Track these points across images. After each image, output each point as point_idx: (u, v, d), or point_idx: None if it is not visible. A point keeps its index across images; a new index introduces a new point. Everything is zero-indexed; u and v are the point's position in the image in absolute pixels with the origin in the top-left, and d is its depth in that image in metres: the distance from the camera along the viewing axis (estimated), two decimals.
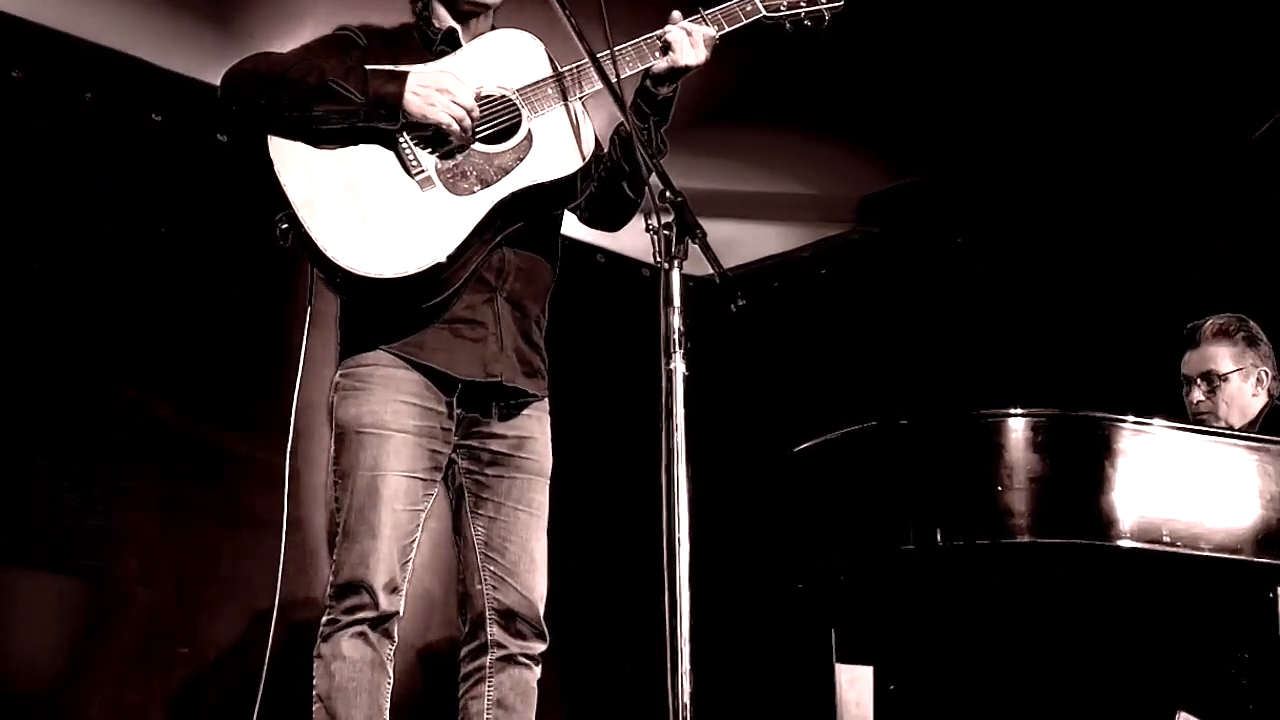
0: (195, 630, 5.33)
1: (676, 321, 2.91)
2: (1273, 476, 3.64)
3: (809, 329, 7.00)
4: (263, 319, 5.62)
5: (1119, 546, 3.48)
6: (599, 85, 3.33)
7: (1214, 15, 5.25)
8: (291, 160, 3.27)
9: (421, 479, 3.38)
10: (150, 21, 5.31)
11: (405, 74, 3.31)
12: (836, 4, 3.57)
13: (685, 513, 2.83)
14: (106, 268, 5.27)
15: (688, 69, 3.46)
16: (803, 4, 3.56)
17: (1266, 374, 4.55)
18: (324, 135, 3.28)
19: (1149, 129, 5.86)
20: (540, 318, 3.55)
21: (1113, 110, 5.81)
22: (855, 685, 4.12)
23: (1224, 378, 4.51)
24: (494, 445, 3.48)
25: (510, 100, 3.41)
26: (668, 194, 3.01)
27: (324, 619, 3.35)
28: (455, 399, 3.41)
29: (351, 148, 3.30)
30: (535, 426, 3.53)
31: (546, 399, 3.56)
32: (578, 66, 3.42)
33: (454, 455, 3.46)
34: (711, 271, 2.97)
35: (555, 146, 3.40)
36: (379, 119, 3.29)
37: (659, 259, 2.96)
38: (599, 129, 3.56)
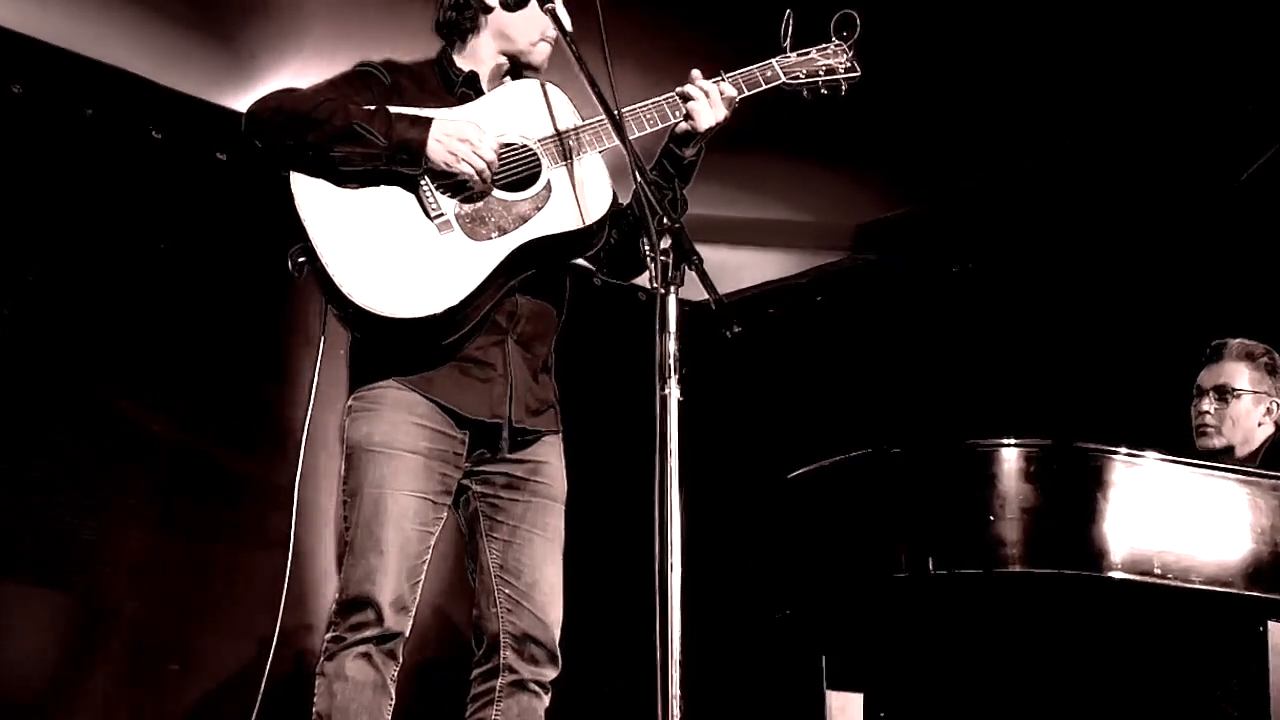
0: (186, 647, 5.32)
1: (672, 347, 2.91)
2: (1264, 510, 3.65)
3: (804, 356, 7.00)
4: (260, 336, 5.63)
5: (1110, 578, 3.49)
6: (618, 141, 3.31)
7: (1209, 47, 5.28)
8: (313, 197, 3.30)
9: (431, 500, 3.37)
10: (151, 38, 5.33)
11: (429, 120, 3.32)
12: (854, 75, 3.61)
13: (678, 538, 2.83)
14: (105, 283, 5.28)
15: (709, 130, 3.49)
16: (821, 74, 3.59)
17: (1277, 406, 4.56)
18: (346, 175, 3.31)
19: (1144, 160, 5.88)
20: (549, 358, 3.55)
21: (1108, 140, 5.84)
22: (846, 712, 4.12)
23: (1236, 394, 4.52)
24: (508, 470, 3.47)
25: (531, 150, 3.43)
26: (665, 220, 3.03)
27: (327, 636, 3.33)
28: (467, 434, 3.42)
29: (373, 188, 3.33)
30: (550, 453, 3.53)
31: (560, 433, 3.56)
32: (599, 121, 3.43)
33: (466, 481, 3.46)
34: (707, 297, 2.98)
35: (573, 199, 3.41)
36: (401, 164, 3.31)
37: (655, 284, 2.97)
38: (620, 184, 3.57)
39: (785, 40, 3.55)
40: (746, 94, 3.53)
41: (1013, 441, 3.57)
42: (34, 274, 5.11)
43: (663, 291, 2.95)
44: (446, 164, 3.31)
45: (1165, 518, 3.57)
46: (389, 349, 3.36)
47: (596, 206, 3.42)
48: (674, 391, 2.89)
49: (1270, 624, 3.59)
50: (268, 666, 3.48)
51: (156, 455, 5.35)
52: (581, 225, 3.40)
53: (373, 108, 3.32)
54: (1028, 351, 6.18)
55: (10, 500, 4.96)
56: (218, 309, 5.52)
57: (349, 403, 3.42)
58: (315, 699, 3.32)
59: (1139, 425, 4.72)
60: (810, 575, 3.91)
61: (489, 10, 3.51)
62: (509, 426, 3.43)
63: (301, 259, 3.26)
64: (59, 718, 5.02)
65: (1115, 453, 3.60)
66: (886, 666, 4.24)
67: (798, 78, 3.57)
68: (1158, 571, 3.52)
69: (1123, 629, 3.88)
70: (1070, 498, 3.55)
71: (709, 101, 3.47)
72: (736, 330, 2.95)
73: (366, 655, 3.29)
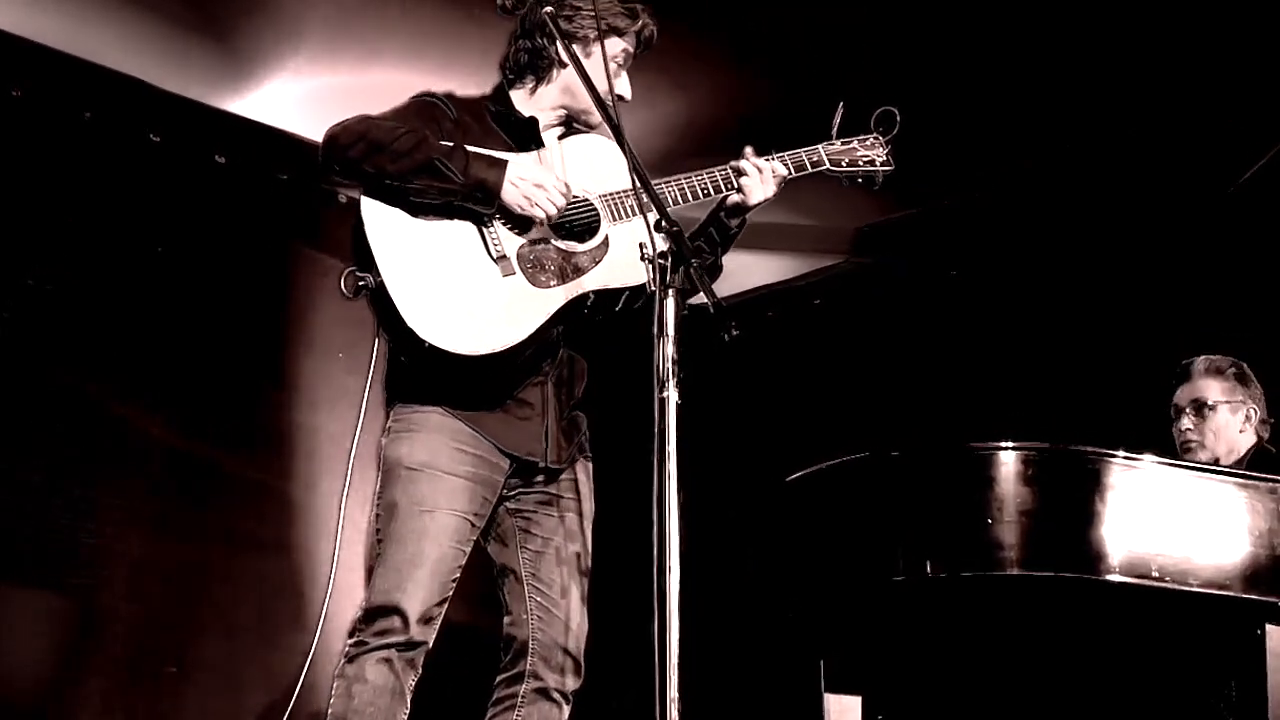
0: (183, 649, 5.32)
1: (670, 350, 2.92)
2: (1261, 513, 3.65)
3: (803, 359, 7.00)
4: (258, 339, 5.63)
5: (1108, 581, 3.49)
6: (675, 208, 3.48)
7: (1208, 51, 5.28)
8: (383, 224, 3.34)
9: (470, 521, 3.43)
10: (150, 42, 5.33)
11: (505, 162, 3.39)
12: (889, 168, 3.76)
13: (676, 541, 2.84)
14: (103, 286, 5.28)
15: (758, 205, 3.63)
16: (860, 164, 3.75)
17: (1255, 412, 4.60)
18: (417, 206, 3.36)
19: (1143, 163, 5.88)
20: (580, 394, 3.66)
21: (1108, 143, 5.84)
22: (844, 715, 4.13)
23: (1212, 407, 4.56)
24: (539, 488, 3.57)
25: (591, 204, 3.51)
26: (664, 223, 3.04)
27: (350, 640, 3.37)
28: (509, 463, 3.50)
29: (439, 220, 3.39)
30: (581, 474, 3.64)
31: (589, 458, 3.68)
32: (658, 183, 3.50)
33: (506, 501, 3.54)
34: (706, 300, 2.99)
35: (628, 256, 3.44)
36: (475, 201, 3.38)
37: (654, 287, 2.99)
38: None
39: (834, 128, 3.72)
40: (794, 175, 3.69)
41: (1011, 444, 3.57)
42: (33, 277, 5.11)
43: (661, 295, 2.97)
44: (520, 207, 3.39)
45: (1163, 521, 3.57)
46: (438, 377, 3.41)
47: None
48: (672, 394, 2.91)
49: (1268, 627, 3.59)
50: (300, 680, 3.52)
51: (154, 458, 5.35)
52: (636, 283, 3.47)
53: (451, 144, 3.38)
54: (1026, 354, 6.18)
55: (9, 502, 4.96)
56: (216, 312, 5.52)
57: (389, 423, 3.48)
58: (332, 700, 3.35)
59: (1137, 428, 4.73)
60: (809, 578, 3.91)
61: (564, 66, 3.55)
62: (547, 469, 3.53)
63: (362, 282, 3.32)
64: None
65: (1113, 456, 3.60)
66: (885, 669, 4.24)
67: (840, 165, 3.73)
68: (1156, 574, 3.52)
69: (1121, 632, 3.88)
70: (1068, 500, 3.55)
71: (761, 178, 3.61)
72: (735, 333, 2.96)
73: (388, 660, 3.33)
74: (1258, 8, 5.05)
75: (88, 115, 5.32)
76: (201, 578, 5.43)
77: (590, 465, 3.66)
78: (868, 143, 3.76)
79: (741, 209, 3.65)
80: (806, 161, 3.70)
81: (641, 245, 3.03)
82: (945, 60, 5.47)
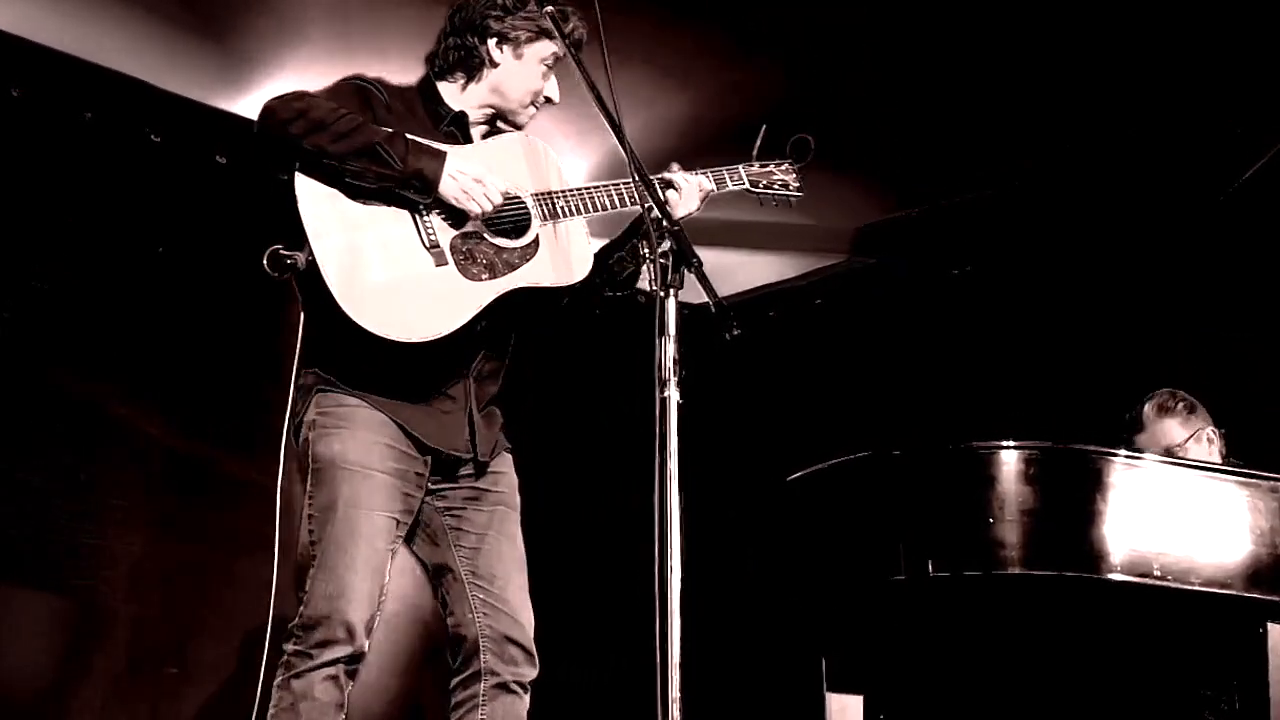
0: (184, 650, 5.32)
1: (671, 349, 2.93)
2: (1263, 512, 3.65)
3: (804, 358, 7.01)
4: (257, 340, 5.62)
5: (1110, 580, 3.50)
6: (601, 213, 3.56)
7: (1208, 51, 5.28)
8: (317, 203, 3.32)
9: (398, 519, 3.42)
10: (150, 42, 5.33)
11: (443, 154, 3.39)
12: (799, 194, 3.87)
13: (677, 540, 2.84)
14: (103, 286, 5.27)
15: (683, 217, 3.61)
16: (775, 187, 3.84)
17: (1214, 433, 4.68)
18: (352, 188, 3.34)
19: (1144, 163, 5.88)
20: (499, 390, 3.63)
21: (1108, 143, 5.84)
22: (846, 714, 4.13)
23: (1183, 447, 4.60)
24: (466, 483, 3.54)
25: (523, 203, 3.52)
26: (665, 222, 3.04)
27: (291, 648, 3.32)
28: (429, 459, 3.48)
29: (374, 205, 3.37)
30: (505, 465, 3.61)
31: (510, 449, 3.65)
32: (587, 189, 3.56)
33: (425, 499, 3.51)
34: (707, 300, 2.99)
35: (558, 257, 3.51)
36: (412, 190, 3.37)
37: (655, 287, 2.99)
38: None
39: (756, 149, 3.81)
40: (717, 192, 3.74)
41: (1012, 444, 3.57)
42: (33, 277, 5.11)
43: (662, 294, 2.97)
44: (457, 200, 3.38)
45: (1165, 520, 3.57)
46: (363, 364, 3.38)
47: (579, 268, 3.54)
48: (674, 394, 2.91)
49: (1270, 625, 3.60)
50: (262, 670, 3.48)
51: (154, 459, 5.35)
52: (565, 283, 3.52)
53: (391, 130, 3.37)
54: (1027, 354, 6.19)
55: (9, 503, 4.96)
56: (216, 312, 5.51)
57: (311, 415, 3.45)
58: (273, 712, 3.30)
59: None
60: (810, 577, 3.91)
61: (495, 66, 3.58)
62: (475, 461, 3.51)
63: (290, 261, 3.28)
64: None
65: (1115, 454, 3.61)
66: (886, 668, 4.24)
67: (758, 186, 3.82)
68: (1157, 573, 3.52)
69: (1122, 631, 3.88)
70: (1070, 500, 3.55)
71: (688, 192, 3.65)
72: (736, 333, 2.96)
73: (335, 678, 3.30)
74: (1258, 8, 5.05)
75: (88, 115, 5.31)
76: (203, 579, 5.43)
77: (511, 458, 3.64)
78: (783, 167, 3.86)
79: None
80: (728, 179, 3.77)
81: (643, 243, 3.03)
82: (945, 60, 5.47)
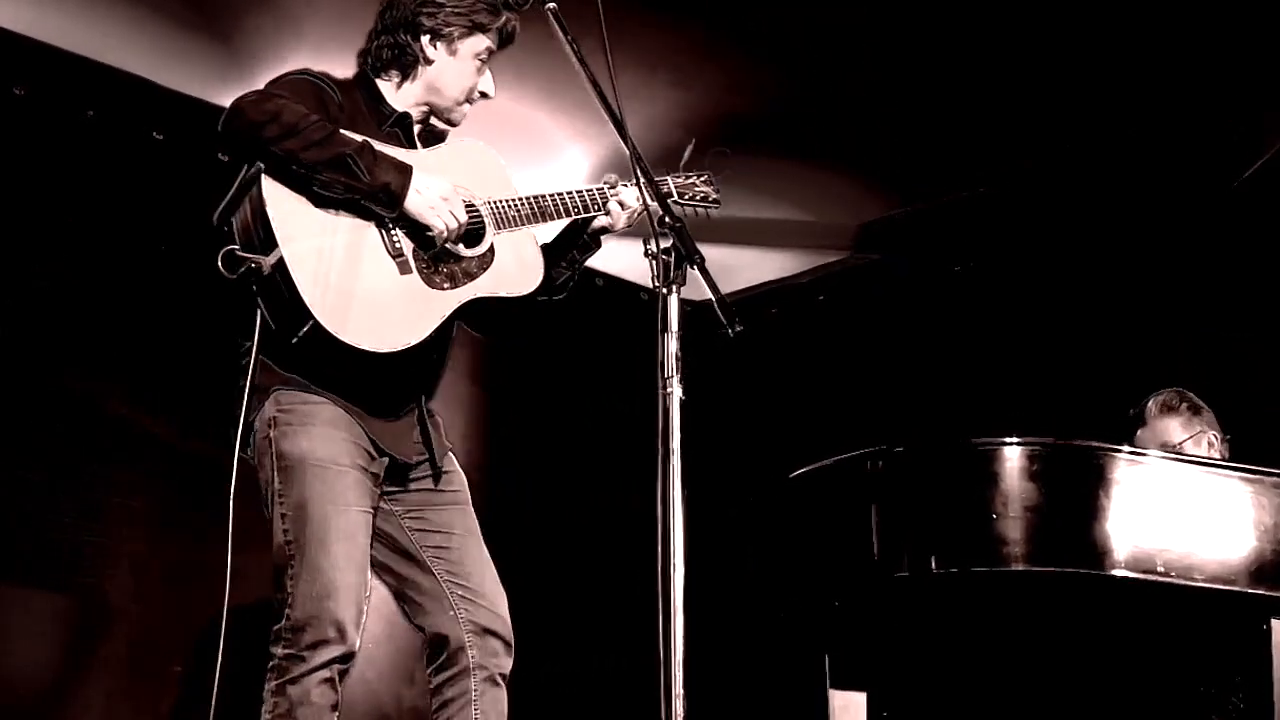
0: (188, 648, 5.32)
1: (674, 346, 2.92)
2: (1267, 508, 3.65)
3: (806, 355, 7.01)
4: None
5: (1113, 576, 3.49)
6: (555, 222, 3.65)
7: (1209, 50, 5.28)
8: (284, 206, 3.30)
9: (370, 515, 3.42)
10: (152, 40, 5.33)
11: (409, 168, 3.38)
12: (716, 205, 3.96)
13: (680, 537, 2.84)
14: (106, 284, 5.27)
15: (622, 228, 3.73)
16: (697, 199, 3.93)
17: (1216, 437, 4.67)
18: (320, 196, 3.33)
19: (1144, 161, 5.89)
20: (437, 392, 3.66)
21: (1109, 142, 5.84)
22: (849, 711, 4.12)
23: (1178, 446, 4.61)
24: (418, 486, 3.55)
25: (479, 211, 3.52)
26: (667, 219, 3.04)
27: (281, 651, 3.31)
28: (385, 462, 3.48)
29: (340, 213, 3.35)
30: (451, 465, 3.63)
31: (451, 447, 3.68)
32: (536, 199, 3.60)
33: (380, 502, 3.51)
34: (710, 296, 2.98)
35: (513, 266, 3.54)
36: (378, 203, 3.35)
37: (657, 283, 2.99)
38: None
39: (682, 161, 3.92)
40: (651, 203, 3.70)
41: (1015, 440, 3.57)
42: (35, 276, 5.11)
43: (665, 291, 2.97)
44: (422, 216, 3.37)
45: (1168, 516, 3.57)
46: (321, 368, 3.37)
47: (532, 278, 3.58)
48: (676, 391, 2.90)
49: (1274, 622, 3.60)
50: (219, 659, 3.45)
51: (157, 457, 5.35)
52: (522, 293, 3.55)
53: (360, 140, 3.35)
54: (1030, 350, 6.19)
55: (11, 503, 4.96)
56: (218, 311, 5.50)
57: (273, 413, 3.44)
58: (268, 719, 3.30)
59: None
60: (813, 574, 3.91)
61: (430, 63, 3.58)
62: (432, 466, 3.53)
63: (254, 265, 3.26)
64: (63, 719, 5.02)
65: (1118, 451, 3.61)
66: (890, 665, 4.24)
67: (684, 196, 3.91)
68: (1161, 570, 3.52)
69: (1126, 627, 3.88)
70: (1073, 496, 3.55)
71: (628, 203, 3.70)
72: (738, 330, 2.96)
73: (330, 680, 3.29)
74: (1258, 8, 5.05)
75: (90, 113, 5.31)
76: (205, 576, 5.42)
77: (453, 455, 3.67)
78: (704, 178, 3.94)
79: (607, 230, 3.75)
80: (659, 190, 3.76)
81: (645, 240, 3.02)
82: (947, 58, 5.46)
